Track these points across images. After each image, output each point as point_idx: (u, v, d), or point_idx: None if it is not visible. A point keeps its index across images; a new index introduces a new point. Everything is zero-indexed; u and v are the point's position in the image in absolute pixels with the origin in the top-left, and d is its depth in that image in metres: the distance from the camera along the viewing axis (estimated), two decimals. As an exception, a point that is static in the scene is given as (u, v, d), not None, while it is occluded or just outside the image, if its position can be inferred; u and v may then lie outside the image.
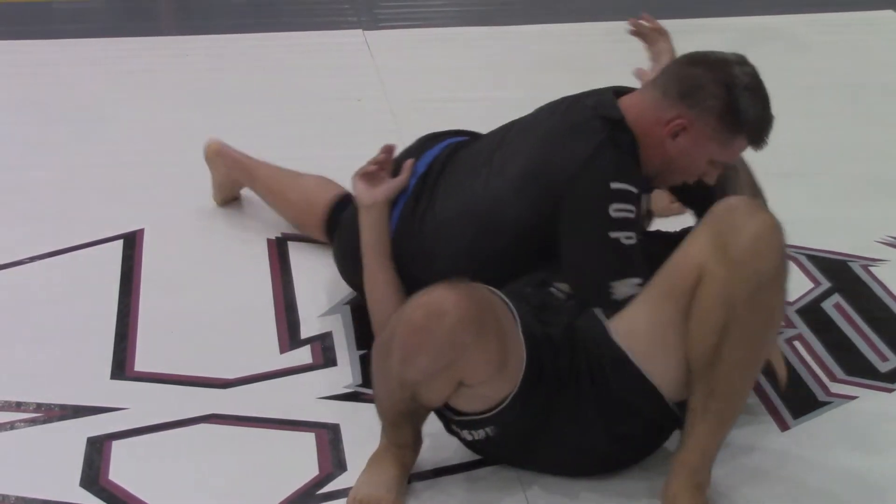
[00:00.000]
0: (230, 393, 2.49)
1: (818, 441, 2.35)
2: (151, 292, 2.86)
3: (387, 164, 2.53)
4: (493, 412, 2.09)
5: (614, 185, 2.23)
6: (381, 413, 2.18)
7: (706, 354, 2.02)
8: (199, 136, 3.23)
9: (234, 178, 3.17)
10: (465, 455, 2.27)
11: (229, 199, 3.24)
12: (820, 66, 4.38)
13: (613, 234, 2.22)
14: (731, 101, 2.23)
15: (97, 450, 2.31)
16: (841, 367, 2.58)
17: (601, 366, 2.11)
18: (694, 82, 2.25)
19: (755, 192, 2.47)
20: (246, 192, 3.24)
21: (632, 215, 2.24)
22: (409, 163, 2.54)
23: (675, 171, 2.34)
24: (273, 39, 4.60)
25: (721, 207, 2.07)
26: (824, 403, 2.47)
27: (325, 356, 2.61)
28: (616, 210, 2.23)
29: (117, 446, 2.33)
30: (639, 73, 2.71)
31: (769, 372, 2.33)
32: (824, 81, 4.22)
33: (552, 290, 2.28)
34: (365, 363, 2.50)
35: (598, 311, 2.16)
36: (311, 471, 2.26)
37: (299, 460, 2.29)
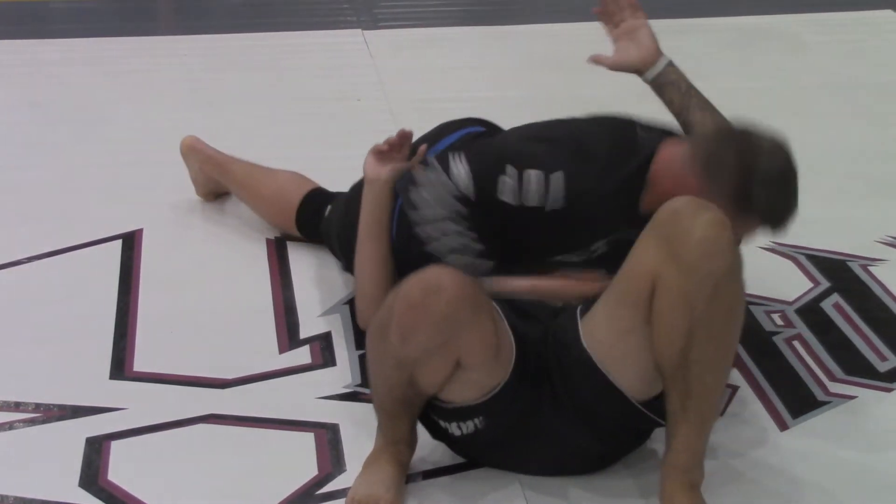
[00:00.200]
0: (229, 393, 2.49)
1: (817, 440, 2.35)
2: (150, 292, 2.86)
3: (399, 147, 2.52)
4: (486, 398, 2.10)
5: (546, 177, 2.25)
6: (378, 403, 2.18)
7: (675, 358, 2.02)
8: (197, 135, 3.23)
9: (207, 174, 3.18)
10: (464, 455, 2.28)
11: (212, 194, 3.24)
12: (819, 66, 4.38)
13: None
14: (745, 188, 2.21)
15: (96, 450, 2.31)
16: (840, 367, 2.58)
17: (570, 367, 2.13)
18: (720, 160, 2.24)
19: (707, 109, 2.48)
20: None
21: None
22: (422, 148, 2.53)
23: None
24: (272, 39, 4.60)
25: (665, 213, 2.05)
26: (823, 403, 2.47)
27: (324, 356, 2.61)
28: (504, 182, 2.25)
29: (116, 446, 2.33)
30: (596, 59, 2.61)
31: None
32: (823, 81, 4.22)
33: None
34: (364, 363, 2.50)
35: (577, 311, 2.16)
36: (310, 471, 2.26)
37: (298, 460, 2.29)
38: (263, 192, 3.07)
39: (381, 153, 2.48)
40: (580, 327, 2.13)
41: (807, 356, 2.62)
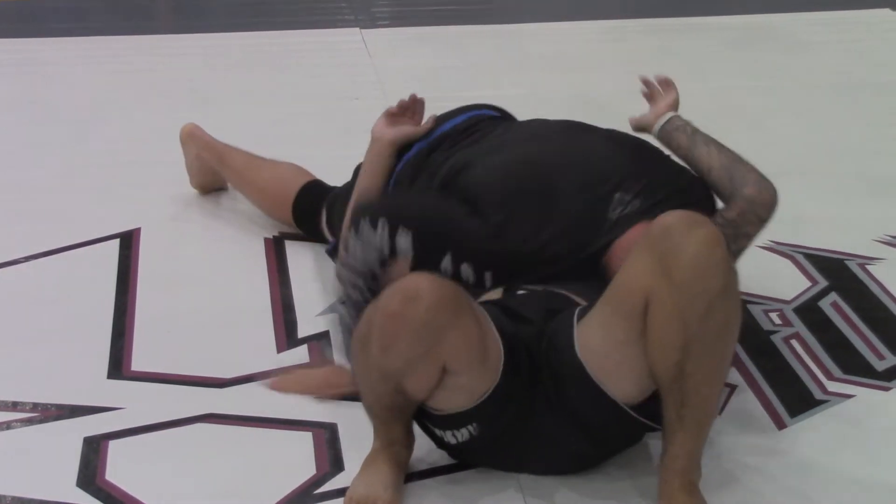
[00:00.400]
0: (227, 392, 2.49)
1: (815, 439, 2.34)
2: (148, 292, 2.86)
3: (410, 111, 2.64)
4: (477, 403, 2.08)
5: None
6: (369, 410, 2.17)
7: (670, 370, 2.01)
8: (196, 135, 3.23)
9: (204, 163, 3.18)
10: (462, 454, 2.27)
11: (207, 185, 3.24)
12: (817, 65, 4.38)
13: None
14: None
15: (94, 449, 2.31)
16: (838, 366, 2.58)
17: (562, 373, 2.11)
18: None
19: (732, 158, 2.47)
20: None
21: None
22: (431, 117, 2.67)
23: None
24: (270, 38, 4.60)
25: (657, 228, 2.03)
26: (821, 402, 2.46)
27: (322, 355, 2.61)
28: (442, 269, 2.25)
29: (114, 446, 2.32)
30: (630, 121, 2.66)
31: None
32: (821, 80, 4.23)
33: (519, 292, 2.28)
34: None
35: (575, 315, 2.14)
36: (308, 470, 2.26)
37: (296, 460, 2.28)
38: (261, 182, 3.08)
39: (392, 115, 2.61)
40: (575, 333, 2.11)
41: (805, 355, 2.61)
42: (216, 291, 2.86)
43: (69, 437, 2.34)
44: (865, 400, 2.47)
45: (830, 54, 4.47)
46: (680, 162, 2.52)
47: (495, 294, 2.29)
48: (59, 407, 2.44)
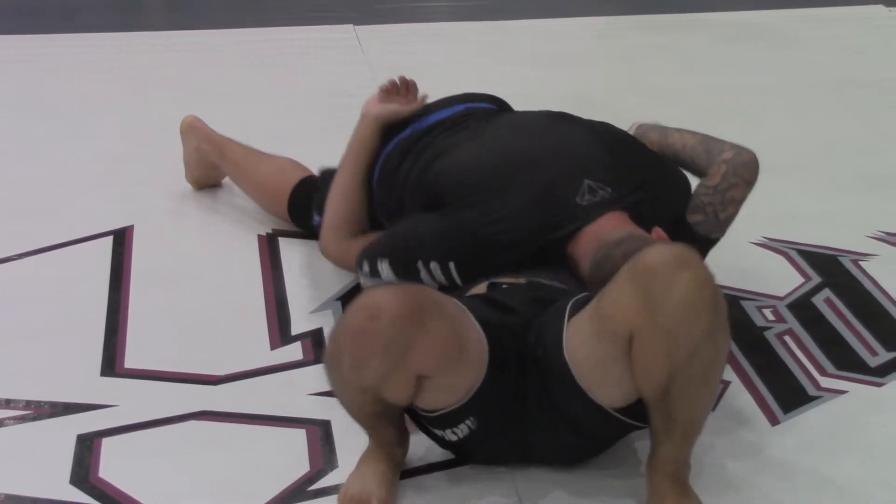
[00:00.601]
0: (221, 390, 2.49)
1: (808, 435, 2.35)
2: (141, 289, 2.85)
3: (404, 92, 2.71)
4: (468, 399, 2.07)
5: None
6: (354, 419, 2.17)
7: (657, 392, 2.00)
8: (189, 132, 3.23)
9: (203, 154, 3.18)
10: (456, 451, 2.27)
11: (202, 180, 3.24)
12: (809, 61, 4.39)
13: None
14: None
15: (87, 447, 2.31)
16: (831, 362, 2.58)
17: (549, 368, 2.10)
18: (602, 263, 2.25)
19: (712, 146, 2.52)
20: (231, 185, 3.23)
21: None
22: (421, 95, 2.74)
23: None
24: (264, 34, 4.59)
25: (643, 267, 1.96)
26: (814, 398, 2.47)
27: (315, 352, 2.61)
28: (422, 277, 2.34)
29: (107, 443, 2.32)
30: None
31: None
32: (813, 76, 4.23)
33: (503, 286, 2.28)
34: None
35: (567, 311, 2.12)
36: (301, 467, 2.26)
37: (290, 457, 2.28)
38: (259, 176, 3.08)
39: (386, 92, 2.68)
40: (565, 332, 2.08)
41: (798, 351, 2.62)
42: (209, 289, 2.86)
43: (62, 434, 2.34)
44: (858, 396, 2.48)
45: (824, 50, 4.48)
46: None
47: (480, 289, 2.29)
48: (53, 404, 2.44)
